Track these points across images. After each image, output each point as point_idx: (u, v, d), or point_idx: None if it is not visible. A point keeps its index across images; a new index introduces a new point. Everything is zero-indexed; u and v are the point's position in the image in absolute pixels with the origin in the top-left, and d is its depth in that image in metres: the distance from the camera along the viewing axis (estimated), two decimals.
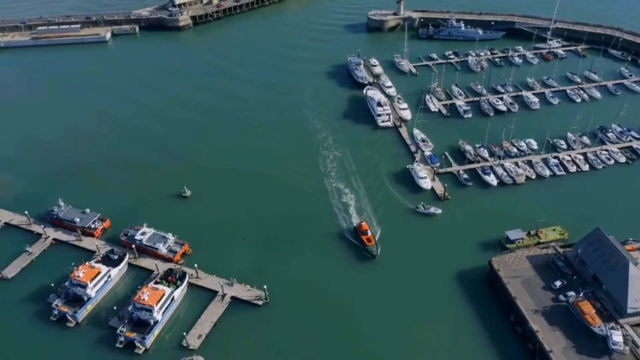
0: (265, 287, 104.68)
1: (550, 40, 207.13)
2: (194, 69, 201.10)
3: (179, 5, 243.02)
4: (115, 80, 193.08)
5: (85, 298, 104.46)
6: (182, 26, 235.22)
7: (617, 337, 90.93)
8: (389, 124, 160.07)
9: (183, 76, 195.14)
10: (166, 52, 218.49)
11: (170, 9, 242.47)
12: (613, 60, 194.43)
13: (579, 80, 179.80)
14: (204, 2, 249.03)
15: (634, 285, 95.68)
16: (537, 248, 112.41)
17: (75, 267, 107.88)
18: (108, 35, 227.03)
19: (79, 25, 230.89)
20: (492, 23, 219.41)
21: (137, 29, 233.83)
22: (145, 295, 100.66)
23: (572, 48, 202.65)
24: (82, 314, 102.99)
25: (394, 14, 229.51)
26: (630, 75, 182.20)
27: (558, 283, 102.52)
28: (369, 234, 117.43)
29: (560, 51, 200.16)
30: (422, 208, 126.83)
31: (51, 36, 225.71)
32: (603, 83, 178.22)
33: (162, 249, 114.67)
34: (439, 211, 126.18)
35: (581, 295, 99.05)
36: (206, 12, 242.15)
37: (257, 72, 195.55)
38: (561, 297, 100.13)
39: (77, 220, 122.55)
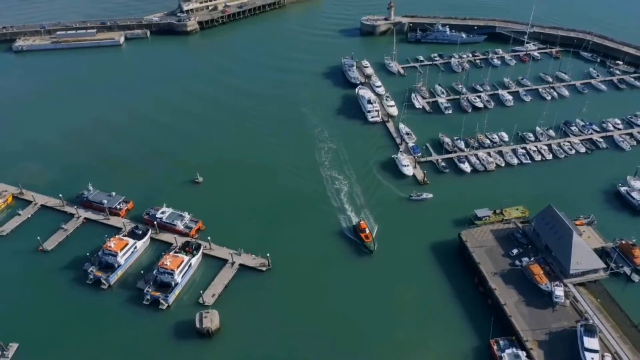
0: (268, 255, 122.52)
1: (527, 43, 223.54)
2: (200, 70, 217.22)
3: (187, 11, 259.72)
4: (129, 80, 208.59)
5: (116, 265, 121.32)
6: (190, 31, 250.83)
7: (559, 292, 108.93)
8: (378, 119, 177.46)
9: (190, 76, 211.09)
10: (176, 55, 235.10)
11: (178, 14, 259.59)
12: (584, 61, 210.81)
13: (550, 80, 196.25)
14: (210, 8, 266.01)
15: (576, 251, 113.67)
16: (500, 224, 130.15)
17: (107, 239, 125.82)
18: (122, 39, 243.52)
19: (94, 30, 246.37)
20: (475, 28, 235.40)
21: (148, 33, 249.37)
22: (168, 261, 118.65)
23: (547, 50, 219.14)
24: (114, 278, 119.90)
25: (385, 19, 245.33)
26: (598, 76, 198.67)
27: (515, 251, 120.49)
28: (367, 231, 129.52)
29: (535, 53, 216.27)
30: (414, 195, 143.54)
31: (69, 40, 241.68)
32: (572, 82, 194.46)
33: (180, 226, 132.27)
34: (430, 195, 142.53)
35: (532, 259, 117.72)
36: (212, 18, 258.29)
37: (259, 73, 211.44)
38: (517, 262, 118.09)
39: (105, 202, 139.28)
